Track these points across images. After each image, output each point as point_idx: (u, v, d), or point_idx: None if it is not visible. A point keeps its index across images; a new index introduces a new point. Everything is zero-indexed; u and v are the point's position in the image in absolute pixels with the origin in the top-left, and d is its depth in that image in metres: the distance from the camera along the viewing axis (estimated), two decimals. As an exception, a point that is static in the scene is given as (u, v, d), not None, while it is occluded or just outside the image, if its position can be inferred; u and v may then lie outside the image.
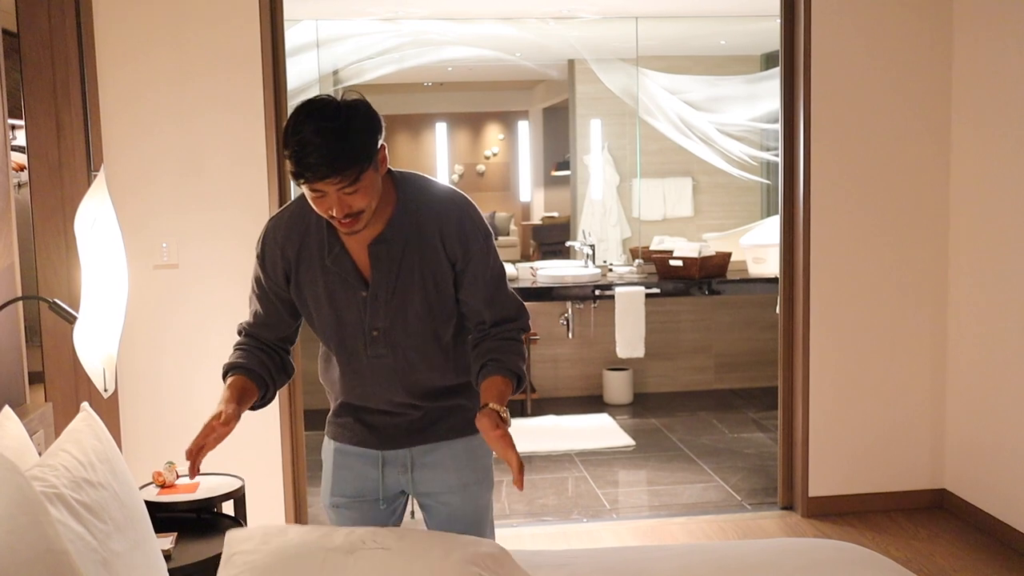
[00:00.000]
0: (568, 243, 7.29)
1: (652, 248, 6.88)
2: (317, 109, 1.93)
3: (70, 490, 1.99)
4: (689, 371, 7.04)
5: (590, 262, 6.58)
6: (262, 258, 2.21)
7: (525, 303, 2.23)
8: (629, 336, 6.20)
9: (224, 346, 4.00)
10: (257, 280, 2.24)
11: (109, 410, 3.88)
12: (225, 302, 4.04)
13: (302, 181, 1.94)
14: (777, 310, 4.60)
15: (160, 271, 4.02)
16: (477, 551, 2.09)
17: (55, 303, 2.63)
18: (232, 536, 2.08)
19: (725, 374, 7.06)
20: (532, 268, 6.56)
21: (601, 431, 6.00)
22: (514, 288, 2.16)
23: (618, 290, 6.16)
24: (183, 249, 4.02)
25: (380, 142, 2.00)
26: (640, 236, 7.33)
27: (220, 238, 4.04)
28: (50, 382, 3.98)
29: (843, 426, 4.45)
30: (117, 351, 2.79)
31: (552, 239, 8.96)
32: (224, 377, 2.27)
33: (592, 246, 6.66)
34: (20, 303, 3.05)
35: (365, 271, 2.14)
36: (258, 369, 2.26)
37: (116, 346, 2.76)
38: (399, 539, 2.02)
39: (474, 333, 2.21)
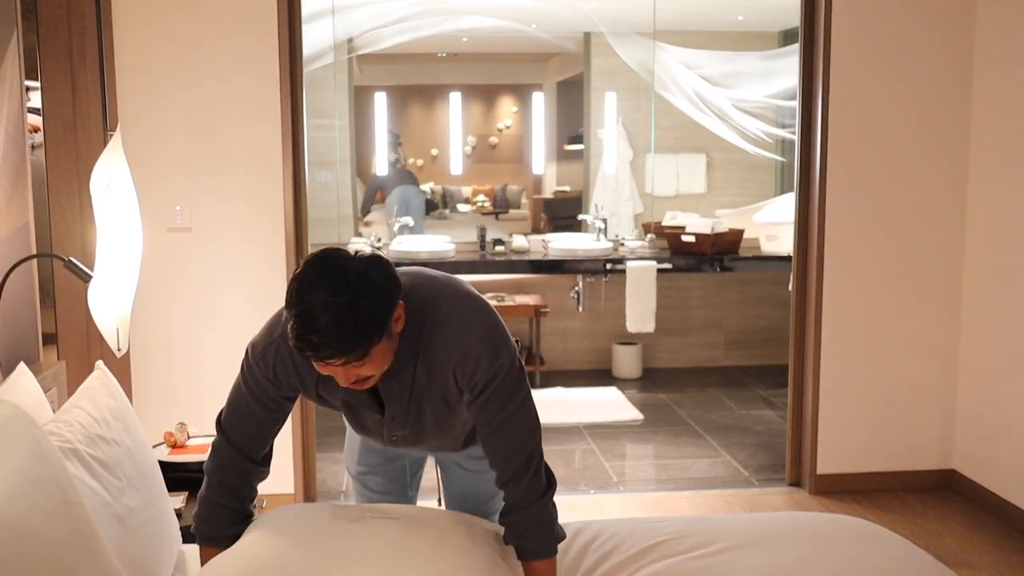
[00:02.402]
0: (580, 217, 7.28)
1: (664, 223, 6.86)
2: (326, 277, 1.74)
3: (85, 446, 2.00)
4: (699, 347, 7.04)
5: (602, 236, 6.56)
6: (273, 377, 2.01)
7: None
8: (639, 311, 6.19)
9: (235, 311, 4.05)
10: (261, 392, 2.04)
11: (121, 371, 3.89)
12: (238, 266, 4.05)
13: (308, 356, 1.77)
14: (790, 287, 4.58)
15: (173, 234, 4.02)
16: (484, 527, 2.12)
17: (70, 261, 2.63)
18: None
19: (735, 351, 7.06)
20: (544, 240, 6.55)
21: (610, 404, 6.01)
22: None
23: (629, 264, 6.15)
24: (196, 212, 4.03)
25: (395, 307, 1.82)
26: (653, 212, 7.31)
27: (234, 202, 4.04)
28: (63, 342, 4.00)
29: (853, 404, 4.44)
30: (131, 311, 2.79)
31: (563, 213, 8.94)
32: (198, 536, 2.13)
33: (604, 220, 6.64)
34: (34, 261, 3.06)
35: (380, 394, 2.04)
36: (235, 530, 2.09)
37: (130, 306, 2.77)
38: (408, 512, 2.04)
39: (493, 470, 2.07)
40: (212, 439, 2.14)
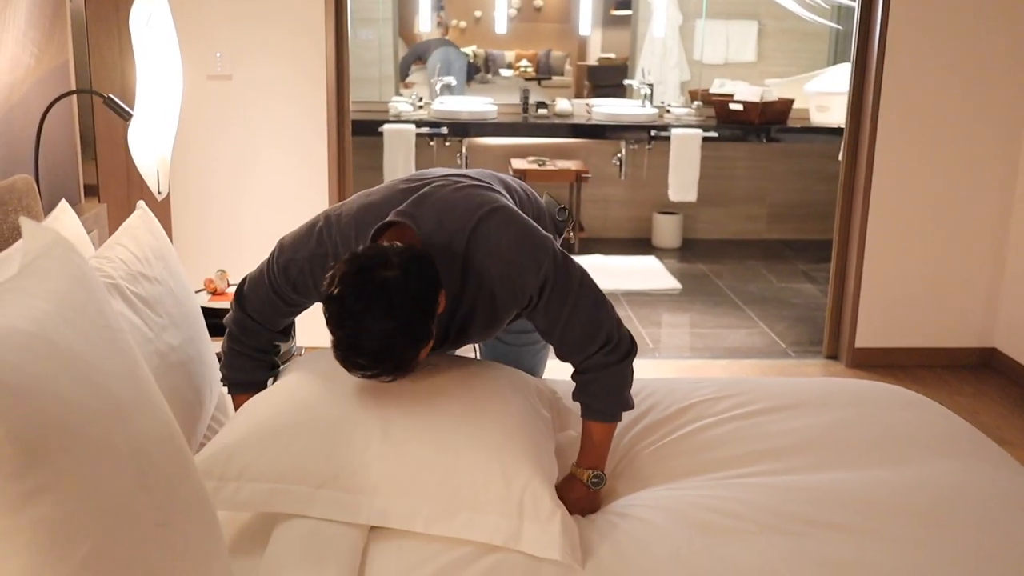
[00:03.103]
0: (625, 82, 7.11)
1: (712, 91, 6.68)
2: (367, 296, 1.65)
3: (127, 282, 2.00)
4: (741, 219, 6.94)
5: (647, 102, 6.42)
6: (294, 290, 1.97)
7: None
8: (682, 179, 6.10)
9: (275, 163, 4.03)
10: (281, 291, 1.99)
11: (161, 217, 3.89)
12: (278, 119, 4.00)
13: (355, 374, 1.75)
14: (840, 157, 4.47)
15: (214, 82, 3.96)
16: (525, 378, 2.10)
17: (109, 98, 2.59)
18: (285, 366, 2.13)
19: (777, 224, 6.95)
20: (587, 104, 6.42)
21: (648, 273, 5.98)
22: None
23: (674, 132, 6.02)
24: (237, 61, 3.96)
25: (437, 306, 1.75)
26: (700, 80, 7.11)
27: (274, 55, 3.97)
28: (104, 190, 4.00)
29: (897, 279, 4.37)
30: (171, 154, 2.77)
31: (607, 81, 8.73)
32: (227, 384, 2.14)
33: (650, 85, 6.48)
34: (75, 106, 3.03)
35: None
36: (262, 376, 2.12)
37: (170, 148, 2.74)
38: (446, 359, 2.01)
39: (569, 361, 1.99)
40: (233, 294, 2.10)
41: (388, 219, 1.87)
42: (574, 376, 1.99)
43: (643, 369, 4.28)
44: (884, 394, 2.45)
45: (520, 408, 1.90)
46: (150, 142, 2.66)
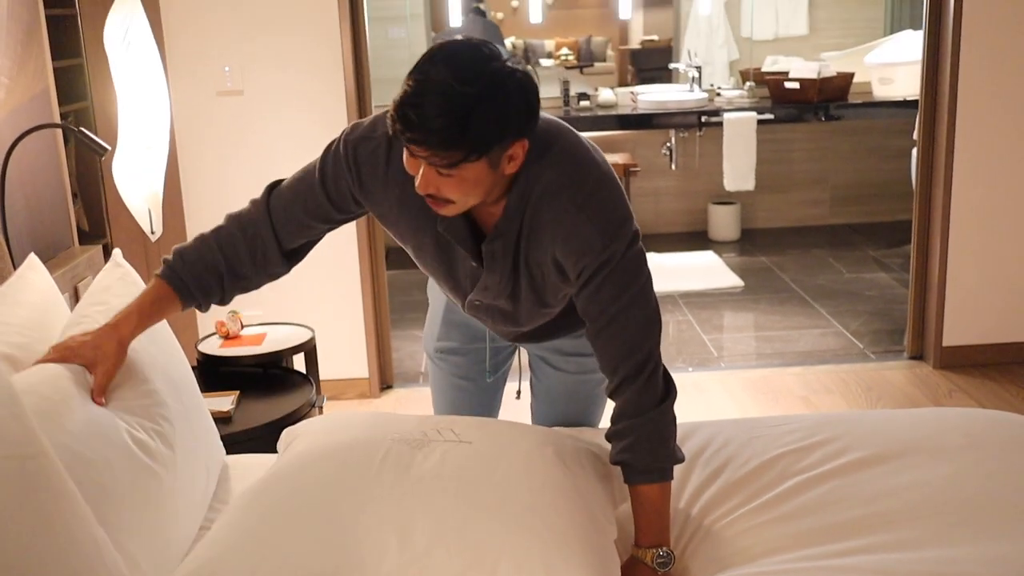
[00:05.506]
0: (672, 65, 6.70)
1: (764, 70, 6.24)
2: (461, 59, 1.44)
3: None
4: (802, 205, 6.47)
5: (696, 86, 6.01)
6: (356, 175, 1.68)
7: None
8: (738, 166, 5.69)
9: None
10: (332, 183, 1.71)
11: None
12: (294, 131, 3.68)
13: (397, 130, 1.47)
14: (915, 136, 4.04)
15: (224, 98, 3.65)
16: (577, 447, 1.74)
17: (81, 132, 2.27)
18: (288, 430, 1.80)
19: (842, 208, 6.48)
20: (632, 93, 6.02)
21: (706, 270, 5.57)
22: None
23: (727, 116, 5.61)
24: (247, 74, 3.64)
25: (512, 138, 1.49)
26: (751, 58, 6.68)
27: (286, 65, 3.65)
28: (114, 222, 3.72)
29: (987, 267, 3.93)
30: (162, 189, 2.45)
31: (651, 64, 8.34)
32: (164, 263, 1.79)
33: (698, 67, 6.07)
34: (58, 133, 2.72)
35: (483, 230, 1.70)
36: (201, 284, 1.77)
37: (161, 183, 2.43)
38: (480, 430, 1.66)
39: (603, 373, 1.71)
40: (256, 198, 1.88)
41: None
42: (608, 433, 1.68)
43: (707, 384, 3.91)
44: (1006, 428, 2.04)
45: (571, 493, 1.55)
46: (138, 178, 2.35)
